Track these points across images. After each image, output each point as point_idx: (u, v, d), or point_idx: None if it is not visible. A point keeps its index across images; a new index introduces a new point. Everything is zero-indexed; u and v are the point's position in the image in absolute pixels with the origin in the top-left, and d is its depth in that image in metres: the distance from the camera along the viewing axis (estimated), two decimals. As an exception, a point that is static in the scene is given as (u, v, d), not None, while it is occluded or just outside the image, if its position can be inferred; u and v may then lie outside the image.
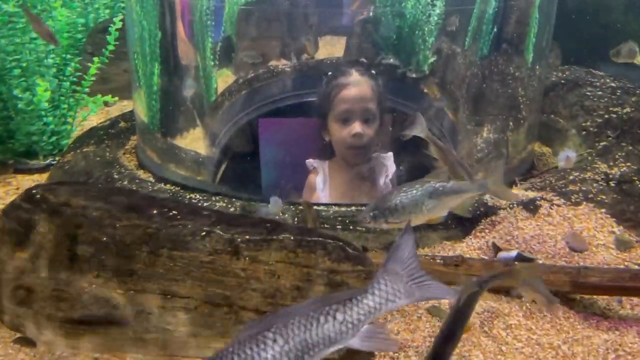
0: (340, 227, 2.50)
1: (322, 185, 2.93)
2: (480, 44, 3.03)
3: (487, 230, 2.44)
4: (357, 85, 2.71)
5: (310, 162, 2.95)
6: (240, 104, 3.08)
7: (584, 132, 3.48)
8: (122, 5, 4.57)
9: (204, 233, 1.75)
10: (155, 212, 1.81)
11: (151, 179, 3.11)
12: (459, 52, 3.01)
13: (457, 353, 1.81)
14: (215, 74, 3.05)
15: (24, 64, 3.09)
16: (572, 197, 2.65)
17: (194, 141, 3.17)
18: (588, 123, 3.52)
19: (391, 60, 3.01)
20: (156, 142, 3.27)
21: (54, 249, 1.74)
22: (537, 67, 3.27)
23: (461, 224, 2.49)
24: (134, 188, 2.84)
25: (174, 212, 1.84)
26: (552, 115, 3.89)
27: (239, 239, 1.75)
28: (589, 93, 3.86)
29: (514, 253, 2.22)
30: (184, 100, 3.13)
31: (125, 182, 2.90)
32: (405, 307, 2.00)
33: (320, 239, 1.80)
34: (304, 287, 1.71)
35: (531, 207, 2.59)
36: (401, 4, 2.90)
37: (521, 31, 3.16)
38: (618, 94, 3.79)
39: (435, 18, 2.92)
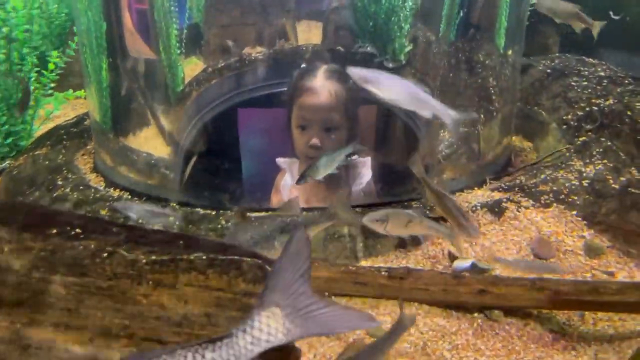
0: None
1: (286, 190, 2.75)
2: (449, 29, 2.84)
3: (438, 241, 2.25)
4: (319, 92, 2.49)
5: (279, 161, 2.76)
6: (208, 96, 2.91)
7: (564, 126, 3.26)
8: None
9: (105, 255, 1.57)
10: (54, 231, 1.63)
11: (102, 184, 2.95)
12: (434, 39, 2.82)
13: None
14: (181, 64, 2.88)
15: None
16: (542, 198, 2.44)
17: (149, 141, 3.01)
18: (569, 116, 3.30)
19: (368, 49, 2.82)
20: (109, 143, 3.10)
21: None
22: (510, 53, 3.06)
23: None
24: (76, 196, 2.67)
25: (77, 230, 1.66)
26: (535, 107, 3.68)
27: (143, 260, 1.57)
28: (574, 83, 3.64)
29: (468, 263, 2.02)
30: (138, 96, 2.97)
31: (67, 190, 2.73)
32: (341, 328, 1.82)
33: (236, 257, 1.62)
34: (214, 313, 1.53)
35: (496, 209, 2.39)
36: None
37: (490, 14, 2.96)
38: (604, 84, 3.57)
39: (410, 3, 2.73)
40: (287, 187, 2.73)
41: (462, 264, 2.03)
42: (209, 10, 2.91)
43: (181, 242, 1.67)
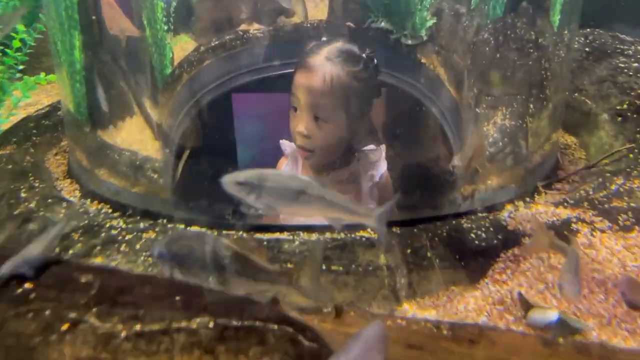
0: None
1: None
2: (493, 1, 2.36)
3: (509, 271, 1.77)
4: (312, 72, 2.03)
5: (283, 143, 2.30)
6: (202, 79, 2.44)
7: (619, 118, 2.80)
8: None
9: (65, 327, 1.09)
10: (-7, 291, 1.14)
11: (77, 193, 2.44)
12: (464, 12, 2.34)
13: None
14: (169, 43, 2.42)
15: None
16: (619, 217, 1.97)
17: (134, 135, 2.51)
18: (625, 106, 2.83)
19: (382, 24, 2.32)
20: (85, 139, 2.58)
21: None
22: (566, 32, 2.57)
23: (474, 260, 1.83)
24: (42, 213, 2.15)
25: (27, 285, 1.17)
26: (576, 94, 3.19)
27: (122, 334, 1.09)
28: (622, 65, 3.16)
29: (553, 316, 1.55)
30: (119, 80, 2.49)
31: (32, 205, 2.21)
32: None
33: (257, 322, 1.15)
34: (226, 418, 1.06)
35: (565, 232, 1.92)
36: None
37: None
38: (650, 59, 3.10)
39: None
40: None
41: (542, 316, 1.55)
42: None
43: (178, 297, 1.20)
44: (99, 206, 2.25)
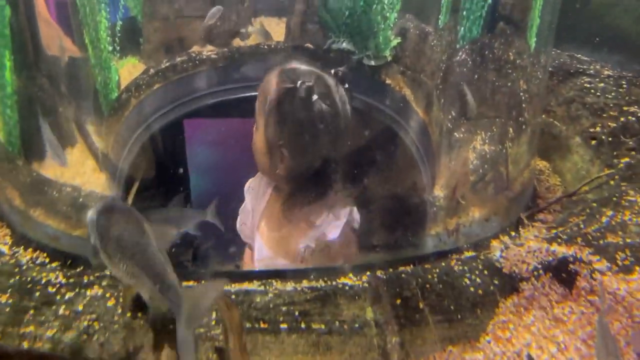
0: (286, 326, 1.59)
1: (249, 214, 2.03)
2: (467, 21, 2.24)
3: (511, 326, 1.59)
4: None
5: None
6: (151, 105, 2.20)
7: (593, 142, 2.70)
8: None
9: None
10: None
11: (7, 239, 2.11)
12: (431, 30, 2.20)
13: None
14: (114, 64, 2.18)
15: None
16: (617, 255, 1.84)
17: (76, 167, 2.23)
18: (598, 129, 2.74)
19: (344, 45, 2.12)
20: (17, 174, 2.27)
21: None
22: (542, 54, 2.46)
23: (471, 313, 1.64)
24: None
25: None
26: (543, 116, 3.09)
27: None
28: (588, 85, 3.09)
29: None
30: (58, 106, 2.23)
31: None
32: None
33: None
34: None
35: (564, 275, 1.77)
36: None
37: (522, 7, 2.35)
38: (624, 85, 3.04)
39: None
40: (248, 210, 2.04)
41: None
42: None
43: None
44: (34, 255, 1.94)
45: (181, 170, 2.45)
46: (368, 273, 1.77)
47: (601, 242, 1.89)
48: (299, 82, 1.71)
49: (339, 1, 2.10)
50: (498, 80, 2.33)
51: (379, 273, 1.77)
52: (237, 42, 2.29)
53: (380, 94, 2.17)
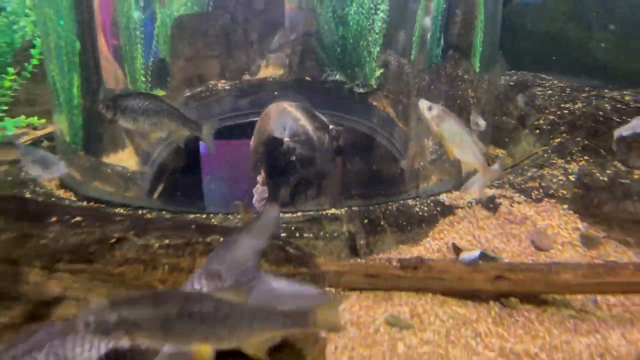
0: (285, 234, 2.22)
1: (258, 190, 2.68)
2: (428, 52, 2.90)
3: (445, 232, 2.22)
4: None
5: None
6: None
7: (537, 131, 3.34)
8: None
9: (113, 240, 1.45)
10: (54, 219, 1.49)
11: (72, 198, 2.78)
12: (406, 62, 2.88)
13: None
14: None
15: None
16: (532, 193, 2.46)
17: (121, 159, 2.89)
18: (540, 121, 3.39)
19: (337, 77, 2.82)
20: (79, 161, 2.95)
21: None
22: (485, 73, 3.14)
23: (418, 226, 2.26)
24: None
25: (77, 218, 1.53)
26: (504, 117, 3.77)
27: (156, 245, 1.45)
28: (539, 93, 3.76)
29: (476, 253, 1.98)
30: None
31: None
32: (359, 317, 1.73)
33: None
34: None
35: (491, 205, 2.39)
36: (343, 10, 2.74)
37: (468, 39, 3.04)
38: (568, 91, 3.70)
39: (379, 24, 2.76)
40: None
41: (469, 255, 1.99)
42: (174, 44, 2.87)
43: (194, 225, 1.57)
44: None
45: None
46: (346, 208, 2.39)
47: (523, 186, 2.52)
48: (285, 141, 2.41)
49: (332, 40, 2.79)
50: (450, 90, 2.99)
51: (354, 207, 2.39)
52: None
53: (369, 114, 2.85)
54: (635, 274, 1.75)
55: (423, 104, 1.77)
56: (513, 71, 4.45)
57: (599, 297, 1.86)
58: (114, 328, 0.94)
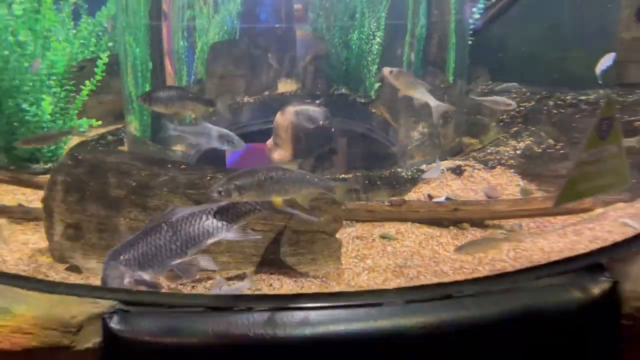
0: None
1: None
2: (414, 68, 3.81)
3: (423, 188, 3.12)
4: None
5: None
6: None
7: (501, 124, 4.25)
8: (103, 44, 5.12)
9: (209, 177, 2.35)
10: (169, 165, 2.40)
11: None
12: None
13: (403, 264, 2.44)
14: None
15: (31, 83, 3.64)
16: (489, 163, 3.37)
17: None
18: (504, 117, 4.30)
19: (343, 91, 3.76)
20: (146, 148, 3.85)
21: (96, 195, 2.30)
22: (458, 83, 4.07)
23: (404, 185, 3.16)
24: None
25: (183, 166, 2.43)
26: (479, 116, 4.68)
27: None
28: (506, 96, 4.67)
29: (443, 197, 2.88)
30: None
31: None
32: (362, 234, 2.62)
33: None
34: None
35: (457, 171, 3.29)
36: (347, 36, 3.66)
37: (443, 56, 3.97)
38: (527, 95, 4.61)
39: (377, 47, 3.69)
40: None
41: (438, 198, 2.89)
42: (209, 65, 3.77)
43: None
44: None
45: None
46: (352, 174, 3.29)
47: (483, 158, 3.42)
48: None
49: (337, 61, 3.72)
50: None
51: (358, 174, 3.29)
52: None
53: (368, 119, 3.78)
54: (543, 202, 2.65)
55: (386, 69, 2.67)
56: (492, 82, 5.34)
57: (523, 222, 2.75)
58: (233, 190, 1.82)
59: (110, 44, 4.92)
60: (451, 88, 3.97)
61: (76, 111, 4.24)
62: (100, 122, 4.81)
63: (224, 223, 1.90)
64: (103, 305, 1.81)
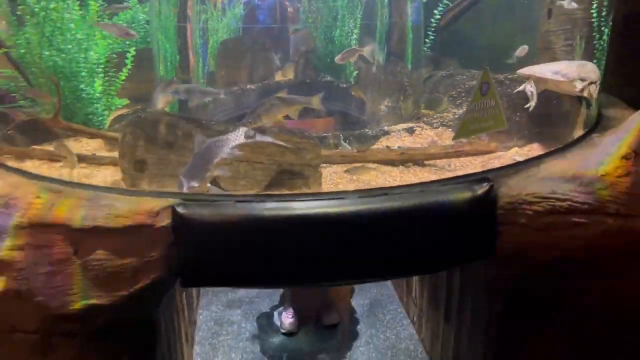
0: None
1: None
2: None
3: (384, 142, 4.26)
4: None
5: None
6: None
7: (451, 98, 5.39)
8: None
9: (233, 127, 3.46)
10: (203, 121, 3.52)
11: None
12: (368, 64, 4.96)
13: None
14: None
15: (85, 70, 4.75)
16: (434, 124, 4.51)
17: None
18: (454, 93, 5.44)
19: (328, 78, 4.88)
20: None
21: (154, 140, 3.41)
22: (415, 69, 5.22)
23: (369, 140, 4.30)
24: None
25: (212, 122, 3.55)
26: (436, 93, 5.82)
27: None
28: (457, 79, 5.82)
29: (396, 146, 4.02)
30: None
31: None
32: (336, 170, 3.75)
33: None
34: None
35: (410, 130, 4.43)
36: (331, 33, 4.79)
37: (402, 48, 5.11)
38: (475, 76, 5.76)
39: (354, 42, 4.82)
40: None
41: (393, 147, 4.02)
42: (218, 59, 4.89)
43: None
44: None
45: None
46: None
47: (430, 122, 4.57)
48: None
49: (324, 54, 4.84)
50: (393, 80, 5.03)
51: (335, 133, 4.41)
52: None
53: (349, 100, 4.91)
54: (464, 146, 3.79)
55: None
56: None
57: (451, 161, 3.90)
58: (258, 117, 2.95)
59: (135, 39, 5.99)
60: (409, 72, 5.11)
61: (115, 92, 5.35)
62: (128, 102, 5.94)
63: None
64: (171, 200, 2.93)
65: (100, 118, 4.92)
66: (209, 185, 2.93)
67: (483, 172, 3.19)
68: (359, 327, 6.29)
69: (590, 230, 2.91)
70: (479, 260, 3.09)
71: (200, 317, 5.81)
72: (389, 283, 7.13)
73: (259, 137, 2.91)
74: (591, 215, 2.91)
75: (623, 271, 2.94)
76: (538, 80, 3.76)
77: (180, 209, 2.84)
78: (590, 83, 3.58)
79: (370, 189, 3.04)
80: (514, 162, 3.41)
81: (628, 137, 3.03)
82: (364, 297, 6.81)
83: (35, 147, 4.04)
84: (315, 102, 3.31)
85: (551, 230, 2.89)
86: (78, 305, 2.87)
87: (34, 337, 2.93)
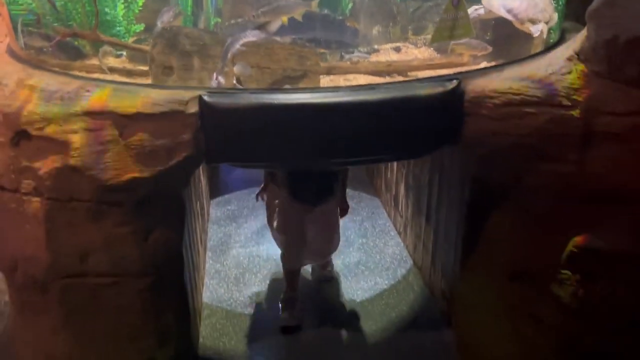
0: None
1: None
2: None
3: (373, 58, 4.88)
4: None
5: None
6: None
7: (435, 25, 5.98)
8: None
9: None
10: (218, 33, 4.13)
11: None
12: None
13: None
14: None
15: None
16: (418, 44, 5.13)
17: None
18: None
19: (325, 11, 5.46)
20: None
21: (179, 49, 4.03)
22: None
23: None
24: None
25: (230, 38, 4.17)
26: (423, 21, 6.42)
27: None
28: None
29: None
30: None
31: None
32: (332, 79, 4.39)
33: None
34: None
35: (397, 49, 5.06)
36: None
37: None
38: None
39: None
40: None
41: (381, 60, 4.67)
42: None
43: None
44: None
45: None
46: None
47: (414, 42, 5.18)
48: None
49: None
50: (384, 8, 5.62)
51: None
52: None
53: (344, 29, 5.49)
54: (441, 60, 4.43)
55: None
56: None
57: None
58: (265, 14, 3.59)
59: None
60: (398, 3, 5.70)
61: (133, 18, 5.92)
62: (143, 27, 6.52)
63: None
64: (199, 92, 3.60)
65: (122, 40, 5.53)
66: (234, 82, 3.59)
67: (455, 74, 3.85)
68: (352, 235, 7.11)
69: (538, 119, 3.60)
70: (450, 144, 3.79)
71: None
72: (379, 203, 7.92)
73: (265, 35, 3.54)
74: (539, 106, 3.59)
75: (563, 154, 3.63)
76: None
77: (206, 98, 3.50)
78: (544, 23, 4.15)
79: (361, 85, 3.71)
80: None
81: (574, 44, 3.69)
82: (356, 214, 7.60)
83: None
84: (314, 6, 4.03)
85: (507, 119, 3.57)
86: (124, 178, 3.55)
87: (88, 205, 3.62)
